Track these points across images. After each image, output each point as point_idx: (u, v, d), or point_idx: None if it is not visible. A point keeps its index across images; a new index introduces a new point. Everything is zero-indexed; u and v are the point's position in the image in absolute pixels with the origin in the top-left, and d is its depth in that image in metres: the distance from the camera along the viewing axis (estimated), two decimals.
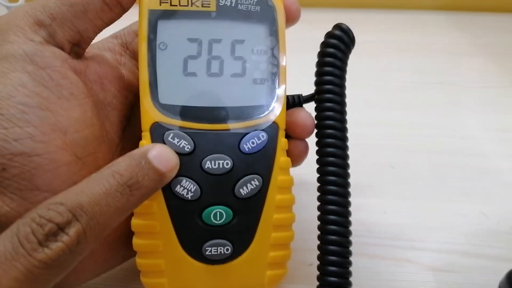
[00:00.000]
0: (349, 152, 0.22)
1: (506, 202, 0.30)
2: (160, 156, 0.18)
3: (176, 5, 0.19)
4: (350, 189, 0.21)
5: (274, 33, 0.20)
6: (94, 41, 0.21)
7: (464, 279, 0.25)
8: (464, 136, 0.37)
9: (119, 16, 0.20)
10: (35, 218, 0.15)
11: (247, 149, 0.20)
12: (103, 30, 0.20)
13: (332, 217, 0.21)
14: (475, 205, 0.30)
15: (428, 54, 0.49)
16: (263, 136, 0.20)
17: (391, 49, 0.50)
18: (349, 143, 0.22)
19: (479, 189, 0.31)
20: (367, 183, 0.31)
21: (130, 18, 0.21)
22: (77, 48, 0.20)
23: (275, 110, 0.20)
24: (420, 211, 0.29)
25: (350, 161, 0.22)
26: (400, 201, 0.30)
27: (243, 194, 0.20)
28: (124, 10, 0.20)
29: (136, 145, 0.20)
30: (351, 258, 0.21)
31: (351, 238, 0.21)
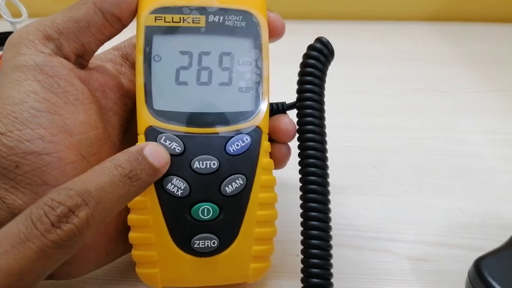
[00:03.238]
0: (336, 154, 0.23)
1: (481, 198, 0.32)
2: (154, 153, 0.20)
3: (170, 22, 0.21)
4: (336, 187, 0.23)
5: (258, 46, 0.22)
6: (97, 53, 0.23)
7: (437, 267, 0.26)
8: (442, 138, 0.38)
9: (119, 31, 0.22)
10: (48, 201, 0.17)
11: (232, 151, 0.21)
12: (105, 43, 0.22)
13: (313, 213, 0.22)
14: (452, 201, 0.31)
15: (411, 62, 0.51)
16: (247, 139, 0.22)
17: (376, 58, 0.52)
18: (336, 146, 0.24)
19: (456, 187, 0.33)
20: (351, 182, 0.33)
21: (130, 32, 0.23)
22: (81, 59, 0.22)
23: (259, 115, 0.22)
24: (400, 207, 0.31)
25: (336, 162, 0.23)
26: (381, 198, 0.32)
27: (228, 192, 0.21)
28: (124, 26, 0.22)
29: None
30: (333, 249, 0.22)
31: (333, 231, 0.22)
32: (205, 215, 0.21)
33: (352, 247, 0.28)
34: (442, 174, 0.34)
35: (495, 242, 0.25)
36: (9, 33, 0.56)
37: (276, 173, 0.23)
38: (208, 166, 0.21)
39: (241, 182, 0.21)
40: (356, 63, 0.50)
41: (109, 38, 0.22)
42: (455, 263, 0.26)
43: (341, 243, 0.25)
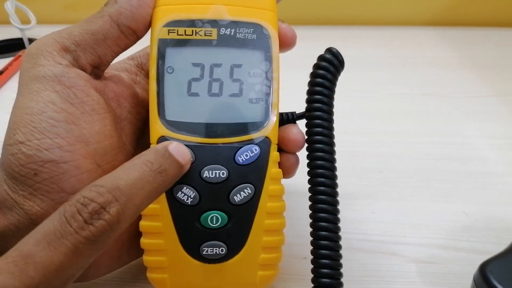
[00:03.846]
0: (342, 159, 0.24)
1: (485, 201, 0.32)
2: (178, 151, 0.20)
3: (182, 35, 0.22)
4: (342, 192, 0.23)
5: (268, 58, 0.22)
6: (113, 62, 0.24)
7: (443, 270, 0.27)
8: (446, 142, 0.39)
9: (134, 43, 0.23)
10: (80, 199, 0.17)
11: (241, 161, 0.22)
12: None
13: (322, 224, 0.22)
14: (456, 205, 0.32)
15: (415, 68, 0.52)
16: (256, 149, 0.22)
17: (379, 63, 0.53)
18: (341, 151, 0.24)
19: (460, 191, 0.33)
20: (357, 186, 0.33)
21: (145, 42, 0.24)
22: (97, 70, 0.23)
23: (268, 126, 0.22)
24: (406, 210, 0.31)
25: (342, 167, 0.24)
26: (387, 202, 0.32)
27: (237, 201, 0.22)
28: (139, 38, 0.23)
29: None
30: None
31: (341, 234, 0.23)
32: (214, 223, 0.22)
33: (359, 250, 0.28)
34: (447, 178, 0.34)
35: (500, 245, 0.25)
36: (19, 39, 0.57)
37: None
38: (217, 176, 0.22)
39: (250, 192, 0.22)
40: (359, 68, 0.50)
41: (124, 49, 0.23)
42: (460, 266, 0.27)
43: (348, 246, 0.25)
